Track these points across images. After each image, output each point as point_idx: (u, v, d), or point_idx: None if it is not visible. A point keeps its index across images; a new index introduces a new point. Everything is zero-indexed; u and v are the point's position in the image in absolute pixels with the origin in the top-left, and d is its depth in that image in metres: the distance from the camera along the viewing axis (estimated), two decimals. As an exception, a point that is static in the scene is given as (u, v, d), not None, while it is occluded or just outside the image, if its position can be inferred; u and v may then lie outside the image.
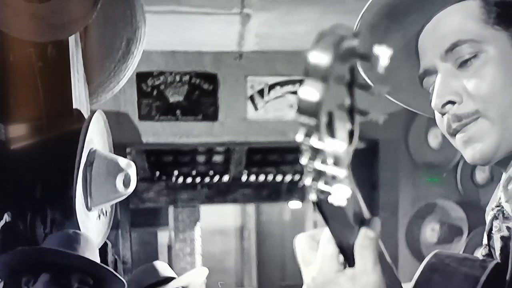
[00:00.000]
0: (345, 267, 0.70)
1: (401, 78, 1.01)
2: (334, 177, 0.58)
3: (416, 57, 0.96)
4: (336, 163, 0.57)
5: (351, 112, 0.59)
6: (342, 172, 0.57)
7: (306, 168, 0.58)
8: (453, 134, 0.90)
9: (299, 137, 0.55)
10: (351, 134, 0.59)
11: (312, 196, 0.60)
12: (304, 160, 0.57)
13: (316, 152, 0.56)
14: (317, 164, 0.57)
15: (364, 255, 0.68)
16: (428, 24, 0.92)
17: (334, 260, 0.70)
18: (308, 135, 0.55)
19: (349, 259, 0.70)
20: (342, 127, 0.58)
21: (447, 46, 0.88)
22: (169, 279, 2.55)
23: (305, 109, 0.54)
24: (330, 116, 0.55)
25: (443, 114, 0.90)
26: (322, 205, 0.64)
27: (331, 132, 0.56)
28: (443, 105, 0.88)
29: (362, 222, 0.69)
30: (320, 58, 0.53)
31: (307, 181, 0.58)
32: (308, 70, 0.54)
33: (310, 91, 0.53)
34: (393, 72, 1.00)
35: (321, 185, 0.58)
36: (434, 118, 0.95)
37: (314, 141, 0.55)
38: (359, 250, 0.68)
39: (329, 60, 0.53)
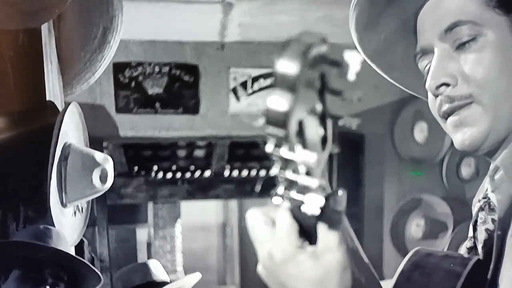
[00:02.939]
0: (304, 244, 0.67)
1: (397, 55, 1.01)
2: (306, 187, 0.57)
3: (413, 35, 0.95)
4: (308, 172, 0.56)
5: (323, 117, 0.58)
6: (313, 182, 0.56)
7: (277, 177, 0.57)
8: (444, 116, 0.89)
9: (269, 148, 0.54)
10: (324, 139, 0.58)
11: (286, 204, 0.61)
12: (275, 170, 0.56)
13: (287, 162, 0.55)
14: (289, 174, 0.56)
15: (328, 232, 0.65)
16: (428, 2, 0.90)
17: (293, 236, 0.66)
18: (278, 145, 0.54)
19: (309, 237, 0.67)
20: (314, 133, 0.56)
21: (447, 25, 0.86)
22: (159, 283, 2.49)
23: (273, 119, 0.52)
24: (301, 125, 0.54)
25: (436, 95, 0.89)
26: (296, 213, 0.63)
27: (302, 140, 0.54)
28: (437, 87, 0.87)
29: (326, 197, 0.64)
30: (287, 67, 0.52)
31: (280, 190, 0.58)
32: (276, 79, 0.52)
33: (279, 101, 0.52)
34: (389, 49, 1.00)
35: (293, 194, 0.58)
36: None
37: (284, 152, 0.54)
38: (323, 227, 0.65)
39: (296, 69, 0.52)
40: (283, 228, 0.66)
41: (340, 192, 0.63)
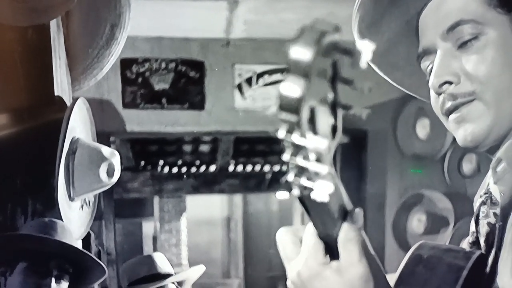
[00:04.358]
0: (329, 260, 0.70)
1: (399, 56, 1.02)
2: (316, 173, 0.58)
3: (416, 35, 0.96)
4: (319, 159, 0.57)
5: (334, 106, 0.58)
6: (324, 169, 0.57)
7: (288, 163, 0.58)
8: (447, 114, 0.90)
9: (281, 134, 0.55)
10: (334, 128, 0.59)
11: (295, 191, 0.61)
12: (286, 156, 0.57)
13: (298, 149, 0.56)
14: (299, 160, 0.57)
15: (349, 247, 0.68)
16: (431, 2, 0.92)
17: (319, 253, 0.70)
18: (289, 131, 0.55)
19: (333, 252, 0.70)
20: (325, 122, 0.57)
21: (449, 25, 0.87)
22: (164, 275, 2.52)
23: (286, 105, 0.53)
24: (312, 112, 0.55)
25: (439, 94, 0.90)
26: (305, 200, 0.64)
27: (313, 128, 0.55)
28: (441, 85, 0.88)
29: (345, 214, 0.69)
30: (301, 53, 0.53)
31: (290, 176, 0.59)
32: (290, 66, 0.53)
33: (292, 87, 0.53)
34: (391, 49, 1.01)
35: (303, 180, 0.58)
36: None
37: (295, 138, 0.55)
38: (343, 243, 0.68)
39: (310, 56, 0.53)
40: (309, 247, 0.71)
41: (357, 210, 0.67)
